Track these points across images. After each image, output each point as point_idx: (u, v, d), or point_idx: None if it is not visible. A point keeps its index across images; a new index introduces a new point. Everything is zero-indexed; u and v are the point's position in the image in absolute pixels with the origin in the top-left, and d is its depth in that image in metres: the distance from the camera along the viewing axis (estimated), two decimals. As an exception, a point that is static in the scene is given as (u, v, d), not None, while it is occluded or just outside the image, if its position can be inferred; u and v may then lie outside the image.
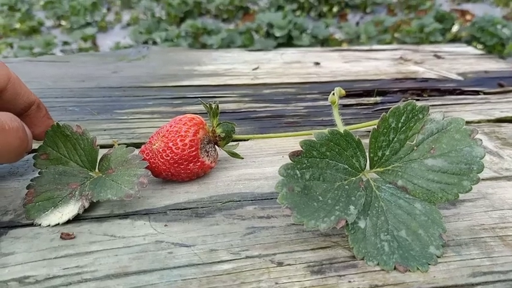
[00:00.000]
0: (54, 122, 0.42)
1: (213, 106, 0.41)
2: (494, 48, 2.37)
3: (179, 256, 0.32)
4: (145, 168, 0.37)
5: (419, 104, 0.34)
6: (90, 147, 0.39)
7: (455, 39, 2.62)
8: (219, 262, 0.32)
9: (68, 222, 0.36)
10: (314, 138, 0.33)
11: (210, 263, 0.32)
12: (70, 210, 0.36)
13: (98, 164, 0.39)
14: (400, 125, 0.34)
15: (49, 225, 0.35)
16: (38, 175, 0.39)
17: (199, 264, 0.31)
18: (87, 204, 0.36)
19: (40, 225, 0.35)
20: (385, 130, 0.35)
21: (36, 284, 0.29)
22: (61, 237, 0.34)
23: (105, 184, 0.37)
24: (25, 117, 0.41)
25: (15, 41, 2.64)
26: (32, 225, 0.35)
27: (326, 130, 0.34)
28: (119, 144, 0.40)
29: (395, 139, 0.35)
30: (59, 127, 0.40)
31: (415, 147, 0.35)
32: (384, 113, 0.34)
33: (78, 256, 0.32)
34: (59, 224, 0.36)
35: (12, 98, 0.39)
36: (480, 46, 2.16)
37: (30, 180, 0.38)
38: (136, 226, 0.36)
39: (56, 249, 0.33)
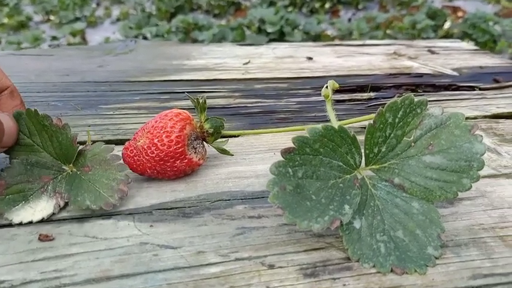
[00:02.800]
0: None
1: (201, 100, 0.40)
2: (485, 44, 2.38)
3: (165, 259, 0.30)
4: (126, 173, 0.36)
5: (417, 98, 0.33)
6: (69, 143, 0.37)
7: (447, 36, 2.62)
8: (206, 265, 0.30)
9: (46, 221, 0.34)
10: (307, 134, 0.32)
11: (197, 266, 0.30)
12: (43, 206, 0.35)
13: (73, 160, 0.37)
14: (397, 120, 0.33)
15: (21, 223, 0.34)
16: (9, 165, 0.37)
17: (185, 267, 0.30)
18: (62, 203, 0.35)
19: (11, 221, 0.34)
20: (381, 125, 0.33)
21: (10, 289, 0.28)
22: (39, 238, 0.32)
23: (82, 186, 0.35)
24: None
25: (3, 36, 2.60)
26: (9, 226, 0.33)
27: (320, 125, 0.32)
28: (104, 141, 0.38)
29: (392, 135, 0.33)
30: (36, 115, 0.37)
31: (413, 144, 0.33)
32: (380, 108, 0.33)
33: (57, 259, 0.30)
34: (32, 221, 0.34)
35: None
36: (472, 43, 2.16)
37: (0, 171, 0.36)
38: (119, 227, 0.34)
39: (34, 251, 0.31)
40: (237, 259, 0.31)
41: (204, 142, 0.41)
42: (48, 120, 0.37)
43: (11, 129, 0.36)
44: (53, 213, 0.35)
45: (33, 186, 0.36)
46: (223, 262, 0.30)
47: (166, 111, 0.39)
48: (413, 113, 0.33)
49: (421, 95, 0.63)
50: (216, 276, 0.29)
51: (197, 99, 0.39)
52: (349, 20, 3.23)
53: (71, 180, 0.36)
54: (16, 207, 0.35)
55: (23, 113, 0.37)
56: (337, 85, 0.49)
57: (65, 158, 0.37)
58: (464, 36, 2.48)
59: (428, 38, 2.46)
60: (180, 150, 0.37)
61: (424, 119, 0.33)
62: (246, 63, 0.79)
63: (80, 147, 0.38)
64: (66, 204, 0.35)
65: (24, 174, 0.36)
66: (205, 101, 0.40)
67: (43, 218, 0.34)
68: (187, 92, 0.62)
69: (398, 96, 0.33)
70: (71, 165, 0.37)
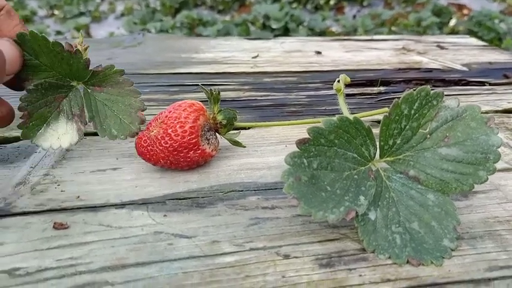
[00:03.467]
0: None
1: (214, 92, 0.39)
2: (491, 42, 2.37)
3: (179, 248, 0.30)
4: (140, 99, 0.37)
5: (433, 90, 0.33)
6: (82, 67, 0.37)
7: (452, 33, 2.61)
8: (221, 254, 0.30)
9: (60, 210, 0.34)
10: (322, 125, 0.32)
11: (212, 255, 0.30)
12: (64, 130, 0.37)
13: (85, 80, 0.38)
14: (412, 112, 0.33)
15: (50, 147, 0.37)
16: (27, 93, 0.37)
17: (200, 256, 0.30)
18: (83, 127, 0.36)
19: (41, 146, 0.37)
20: (397, 117, 0.33)
21: (27, 276, 0.28)
22: (54, 227, 0.32)
23: (100, 109, 0.37)
24: None
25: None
26: (23, 214, 0.33)
27: (335, 117, 0.32)
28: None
29: (408, 127, 0.33)
30: (44, 40, 0.36)
31: (428, 136, 0.33)
32: (396, 99, 0.32)
33: (72, 247, 0.30)
34: (60, 147, 0.37)
35: None
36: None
37: (20, 100, 0.37)
38: (133, 216, 0.34)
39: (48, 239, 0.31)
40: (251, 249, 0.31)
41: (217, 133, 0.41)
42: (59, 47, 0.37)
43: (13, 56, 0.35)
44: (78, 140, 0.37)
45: (51, 109, 0.38)
46: (238, 252, 0.30)
47: (180, 102, 0.38)
48: (429, 105, 0.33)
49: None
50: (231, 266, 0.29)
51: (211, 90, 0.39)
52: (354, 16, 3.22)
53: (87, 100, 0.37)
54: (40, 131, 0.37)
55: (26, 35, 0.36)
56: (348, 79, 0.48)
57: (75, 77, 0.38)
58: (469, 33, 2.47)
59: (433, 34, 2.45)
60: (194, 140, 0.37)
61: (440, 111, 0.33)
62: (255, 57, 0.79)
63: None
64: (84, 192, 0.35)
65: (42, 99, 0.37)
66: (218, 93, 0.39)
67: (70, 144, 0.37)
68: (197, 84, 0.62)
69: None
70: (82, 83, 0.38)
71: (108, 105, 0.37)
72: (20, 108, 0.37)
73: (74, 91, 0.38)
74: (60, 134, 0.36)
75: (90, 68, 0.38)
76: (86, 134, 0.47)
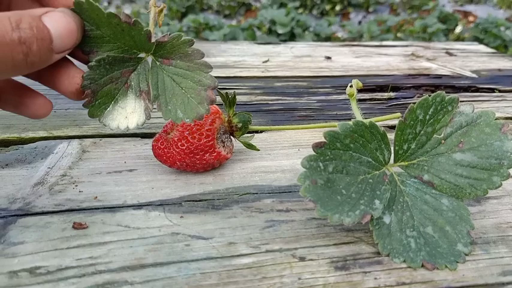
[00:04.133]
0: None
1: (230, 95, 0.40)
2: (497, 49, 2.37)
3: (197, 249, 0.31)
4: (211, 75, 0.33)
5: (448, 95, 0.33)
6: (143, 39, 0.33)
7: (458, 40, 2.61)
8: (238, 256, 0.30)
9: (79, 210, 0.34)
10: (338, 129, 0.32)
11: (229, 256, 0.30)
12: (132, 108, 0.34)
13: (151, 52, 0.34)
14: (427, 117, 0.33)
15: (118, 127, 0.34)
16: (89, 70, 0.34)
17: (218, 257, 0.30)
18: (151, 107, 0.34)
19: (109, 126, 0.34)
20: (412, 122, 0.33)
21: (48, 274, 0.28)
22: (73, 226, 0.33)
23: (168, 88, 0.33)
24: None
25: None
26: (42, 213, 0.34)
27: (351, 121, 0.32)
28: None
29: (422, 132, 0.33)
30: (99, 9, 0.32)
31: (443, 141, 0.33)
32: (411, 104, 0.33)
33: (92, 247, 0.31)
34: (128, 128, 0.34)
35: None
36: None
37: (83, 78, 0.33)
38: (150, 217, 0.34)
39: (68, 239, 0.31)
40: (267, 251, 0.31)
41: (232, 136, 0.41)
42: (115, 18, 0.32)
43: (66, 29, 0.30)
44: (145, 120, 0.34)
45: (118, 86, 0.35)
46: (254, 253, 0.31)
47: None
48: (444, 111, 0.33)
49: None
50: (248, 267, 0.29)
51: (226, 93, 0.40)
52: (360, 22, 3.23)
53: (154, 75, 0.34)
54: (108, 109, 0.35)
55: (83, 3, 0.31)
56: (361, 84, 0.49)
57: (142, 49, 0.34)
58: (475, 40, 2.48)
59: (439, 41, 2.46)
60: (210, 143, 0.38)
61: (454, 117, 0.33)
62: (266, 62, 0.79)
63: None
64: (102, 192, 0.35)
65: (106, 75, 0.34)
66: (234, 96, 0.40)
67: (137, 125, 0.34)
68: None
69: (418, 97, 0.34)
70: (149, 54, 0.34)
71: (176, 80, 0.33)
72: (83, 87, 0.33)
73: (143, 64, 0.35)
74: (128, 112, 0.34)
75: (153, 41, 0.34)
76: (102, 136, 0.47)
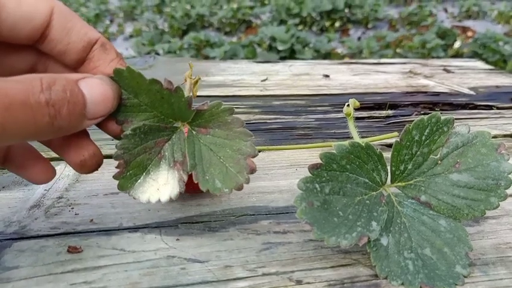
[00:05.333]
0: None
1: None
2: (495, 64, 2.38)
3: (192, 272, 0.31)
4: (252, 143, 0.32)
5: (443, 116, 0.33)
6: (183, 107, 0.32)
7: (457, 55, 2.63)
8: (234, 279, 0.30)
9: (74, 233, 0.34)
10: (334, 151, 0.32)
11: (225, 280, 0.30)
12: (165, 179, 0.32)
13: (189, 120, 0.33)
14: (423, 137, 0.33)
15: (149, 201, 0.32)
16: (124, 139, 0.32)
17: (213, 281, 0.30)
18: (185, 177, 0.32)
19: (139, 199, 0.32)
20: (408, 143, 0.33)
21: (41, 300, 0.28)
22: (68, 250, 0.32)
23: (205, 156, 0.32)
24: (87, 65, 0.32)
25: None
26: (37, 237, 0.34)
27: (347, 142, 0.32)
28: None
29: (419, 152, 0.33)
30: (141, 76, 0.31)
31: (439, 161, 0.33)
32: (407, 125, 0.33)
33: (86, 271, 0.30)
34: (159, 201, 0.32)
35: (61, 36, 0.30)
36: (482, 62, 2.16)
37: (116, 148, 0.32)
38: (146, 240, 0.34)
39: (63, 263, 0.31)
40: (264, 274, 0.31)
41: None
42: (157, 84, 0.32)
43: (101, 96, 0.29)
44: (179, 193, 0.32)
45: (151, 156, 0.33)
46: (250, 277, 0.30)
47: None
48: (440, 131, 0.33)
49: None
50: (244, 291, 0.29)
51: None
52: (359, 38, 3.26)
53: (190, 144, 0.33)
54: (138, 181, 0.33)
55: (123, 71, 0.31)
56: (358, 103, 0.49)
57: (179, 118, 0.33)
58: (474, 55, 2.49)
59: (438, 57, 2.47)
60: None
61: (450, 137, 0.33)
62: (264, 80, 0.80)
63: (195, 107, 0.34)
64: (97, 216, 0.35)
65: (140, 145, 0.33)
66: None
67: (170, 198, 0.32)
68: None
69: (416, 115, 0.34)
70: (185, 124, 0.34)
71: (213, 150, 0.32)
72: (116, 157, 0.32)
73: (178, 133, 0.33)
74: (161, 184, 0.32)
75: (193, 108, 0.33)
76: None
